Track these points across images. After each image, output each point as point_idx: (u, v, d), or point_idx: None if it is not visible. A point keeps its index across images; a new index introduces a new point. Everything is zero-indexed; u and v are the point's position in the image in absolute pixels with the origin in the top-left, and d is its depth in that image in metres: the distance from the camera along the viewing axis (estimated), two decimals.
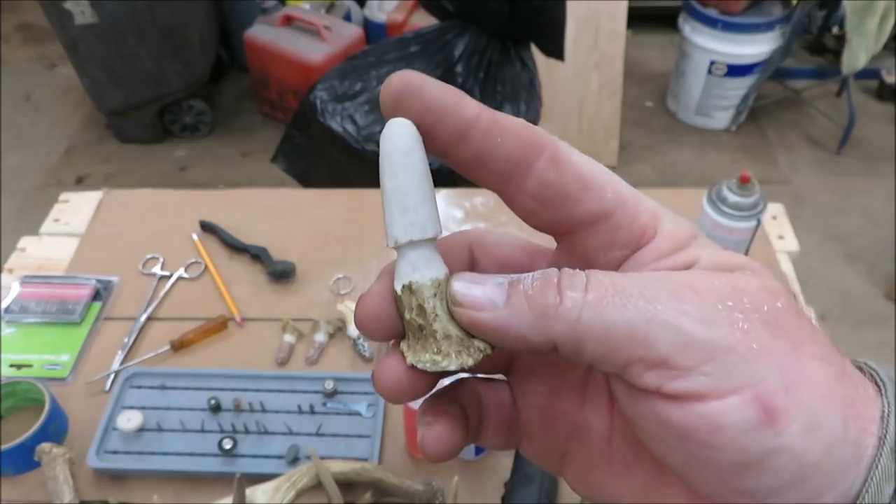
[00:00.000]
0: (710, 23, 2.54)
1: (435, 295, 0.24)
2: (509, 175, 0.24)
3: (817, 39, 3.08)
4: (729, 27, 2.52)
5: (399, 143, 0.24)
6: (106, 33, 2.33)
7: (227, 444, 0.87)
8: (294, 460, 0.86)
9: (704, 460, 0.21)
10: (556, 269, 0.23)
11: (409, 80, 0.23)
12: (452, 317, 0.24)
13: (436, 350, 0.24)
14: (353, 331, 1.02)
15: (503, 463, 0.87)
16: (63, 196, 1.28)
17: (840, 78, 2.70)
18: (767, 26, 2.51)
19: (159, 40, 2.40)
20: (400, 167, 0.24)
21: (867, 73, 2.73)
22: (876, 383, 0.22)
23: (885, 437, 0.21)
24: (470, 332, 0.24)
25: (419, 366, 0.24)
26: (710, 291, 0.21)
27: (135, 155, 2.68)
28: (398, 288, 0.25)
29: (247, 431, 0.90)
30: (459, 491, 0.81)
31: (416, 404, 0.82)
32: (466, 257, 0.27)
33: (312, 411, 0.92)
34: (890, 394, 0.22)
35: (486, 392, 0.28)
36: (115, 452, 0.88)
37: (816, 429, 0.20)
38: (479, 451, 0.88)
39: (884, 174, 2.57)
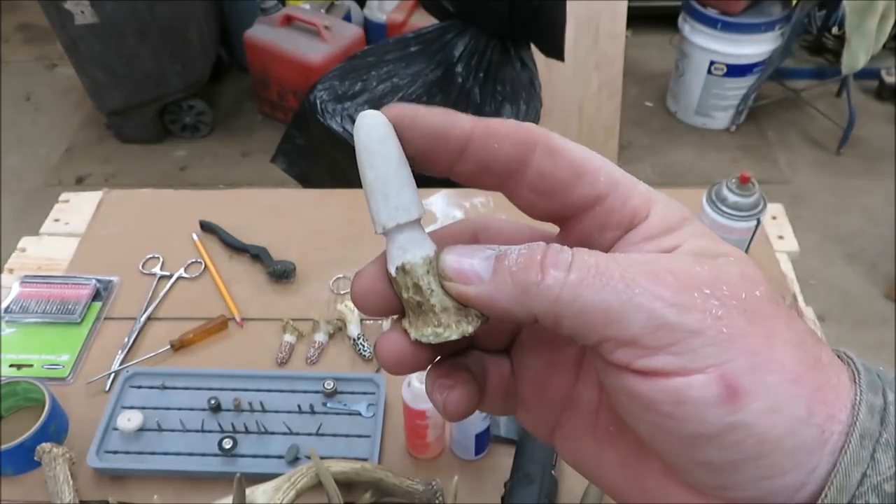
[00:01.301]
0: (710, 23, 2.54)
1: (428, 272, 0.25)
2: (511, 174, 0.25)
3: (817, 39, 3.08)
4: (729, 27, 2.52)
5: (373, 134, 0.25)
6: (106, 33, 2.33)
7: (227, 444, 0.87)
8: (294, 460, 0.86)
9: (667, 430, 0.22)
10: (542, 245, 0.23)
11: (400, 113, 0.25)
12: (445, 289, 0.25)
13: (436, 323, 0.25)
14: (353, 331, 1.02)
15: (503, 463, 0.87)
16: (63, 196, 1.28)
17: (840, 78, 2.70)
18: (767, 26, 2.51)
19: (159, 40, 2.40)
20: (377, 156, 0.25)
21: (867, 73, 2.73)
22: (853, 373, 0.23)
23: (856, 423, 0.21)
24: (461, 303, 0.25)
25: (423, 340, 0.25)
26: (690, 277, 0.22)
27: (135, 155, 2.68)
28: (392, 270, 0.26)
29: (247, 431, 0.90)
30: (459, 491, 0.81)
31: (416, 404, 0.82)
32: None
33: (312, 411, 0.92)
34: (863, 383, 0.22)
35: (488, 363, 0.29)
36: (115, 452, 0.88)
37: (779, 410, 0.21)
38: (479, 451, 0.88)
39: (884, 174, 2.57)
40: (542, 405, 0.29)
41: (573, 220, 0.26)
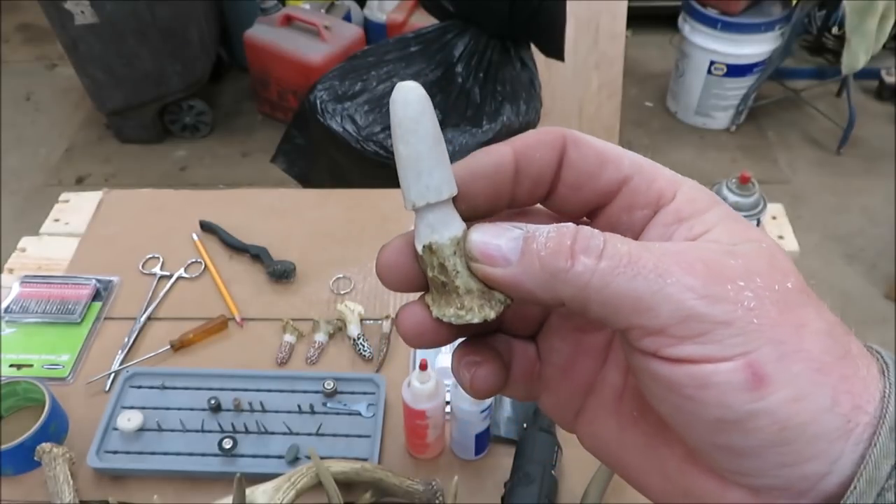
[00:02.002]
0: (710, 23, 2.54)
1: (454, 253, 0.25)
2: (553, 177, 0.26)
3: (817, 39, 3.08)
4: (729, 27, 2.52)
5: (409, 110, 0.24)
6: (106, 33, 2.33)
7: (227, 444, 0.87)
8: (294, 460, 0.86)
9: (690, 413, 0.22)
10: (572, 228, 0.23)
11: (460, 178, 0.26)
12: (471, 271, 0.25)
13: (459, 305, 0.25)
14: (353, 331, 1.02)
15: (503, 463, 0.87)
16: (63, 196, 1.28)
17: (840, 78, 2.70)
18: (767, 26, 2.51)
19: (159, 40, 2.40)
20: (412, 133, 0.24)
21: (867, 73, 2.73)
22: (882, 366, 0.23)
23: (885, 416, 0.21)
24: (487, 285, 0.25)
25: (444, 319, 0.25)
26: (724, 269, 0.22)
27: (135, 155, 2.68)
28: (419, 248, 0.25)
29: (247, 431, 0.90)
30: (459, 491, 0.81)
31: (416, 404, 0.82)
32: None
33: (312, 411, 0.92)
34: (891, 375, 0.22)
35: (514, 347, 0.29)
36: (115, 452, 0.88)
37: (802, 399, 0.21)
38: (479, 451, 0.88)
39: (884, 174, 2.57)
40: (567, 390, 0.29)
41: (601, 209, 0.26)
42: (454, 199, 0.25)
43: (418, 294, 0.27)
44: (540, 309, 0.29)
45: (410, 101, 0.24)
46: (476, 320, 0.25)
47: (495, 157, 0.25)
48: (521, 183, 0.26)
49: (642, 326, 0.22)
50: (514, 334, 0.29)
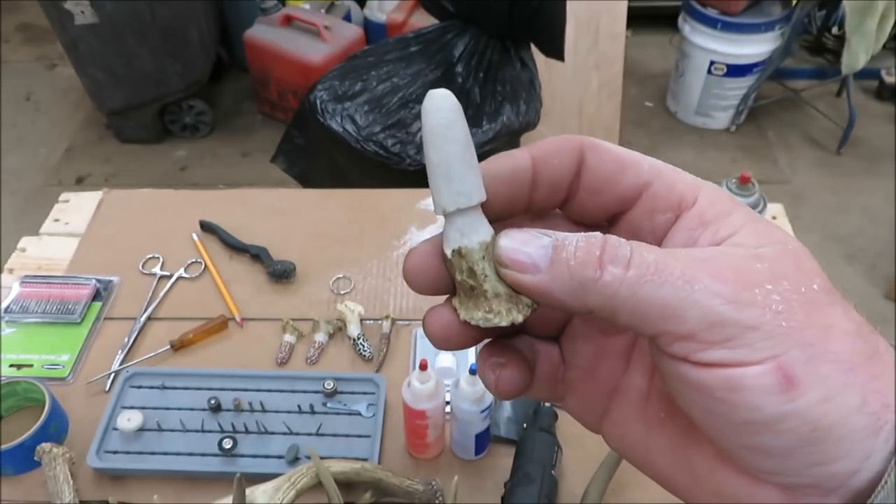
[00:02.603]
0: (710, 23, 2.54)
1: (483, 257, 0.25)
2: (572, 183, 0.27)
3: (817, 39, 3.08)
4: (729, 27, 2.52)
5: (441, 117, 0.25)
6: (106, 33, 2.33)
7: (227, 444, 0.87)
8: (294, 460, 0.86)
9: (721, 416, 0.22)
10: (600, 238, 0.23)
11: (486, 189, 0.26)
12: (499, 276, 0.25)
13: (487, 309, 0.26)
14: (353, 331, 1.02)
15: (503, 463, 0.87)
16: (63, 196, 1.28)
17: (840, 78, 2.70)
18: (767, 26, 2.51)
19: (159, 40, 2.40)
20: (443, 140, 0.25)
21: (867, 73, 2.73)
22: None
23: None
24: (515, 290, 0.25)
25: (472, 322, 0.26)
26: (751, 274, 0.22)
27: (135, 155, 2.68)
28: (448, 252, 0.26)
29: (247, 431, 0.90)
30: (459, 491, 0.81)
31: (416, 404, 0.82)
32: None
33: (312, 411, 0.92)
34: None
35: (539, 349, 0.30)
36: (115, 452, 0.88)
37: (832, 399, 0.21)
38: (479, 451, 0.88)
39: (884, 174, 2.57)
40: (592, 392, 0.29)
41: (621, 214, 0.27)
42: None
43: (438, 298, 0.28)
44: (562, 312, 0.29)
45: (442, 108, 0.25)
46: (504, 323, 0.25)
47: (514, 161, 0.26)
48: (538, 188, 0.26)
49: (671, 332, 0.22)
50: (537, 336, 0.30)
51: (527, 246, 0.24)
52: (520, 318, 0.25)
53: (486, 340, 0.28)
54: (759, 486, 0.23)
